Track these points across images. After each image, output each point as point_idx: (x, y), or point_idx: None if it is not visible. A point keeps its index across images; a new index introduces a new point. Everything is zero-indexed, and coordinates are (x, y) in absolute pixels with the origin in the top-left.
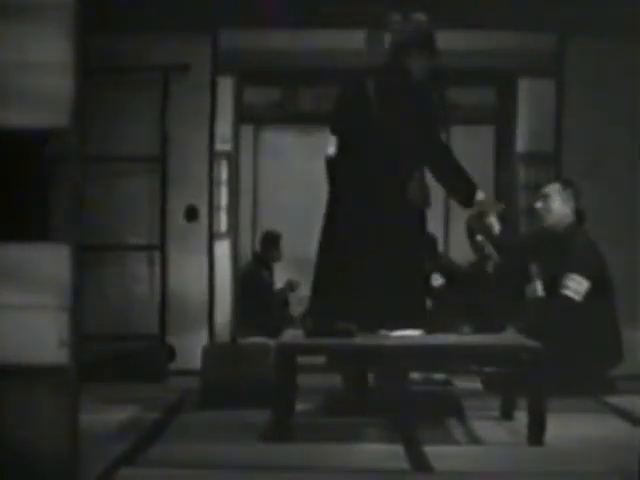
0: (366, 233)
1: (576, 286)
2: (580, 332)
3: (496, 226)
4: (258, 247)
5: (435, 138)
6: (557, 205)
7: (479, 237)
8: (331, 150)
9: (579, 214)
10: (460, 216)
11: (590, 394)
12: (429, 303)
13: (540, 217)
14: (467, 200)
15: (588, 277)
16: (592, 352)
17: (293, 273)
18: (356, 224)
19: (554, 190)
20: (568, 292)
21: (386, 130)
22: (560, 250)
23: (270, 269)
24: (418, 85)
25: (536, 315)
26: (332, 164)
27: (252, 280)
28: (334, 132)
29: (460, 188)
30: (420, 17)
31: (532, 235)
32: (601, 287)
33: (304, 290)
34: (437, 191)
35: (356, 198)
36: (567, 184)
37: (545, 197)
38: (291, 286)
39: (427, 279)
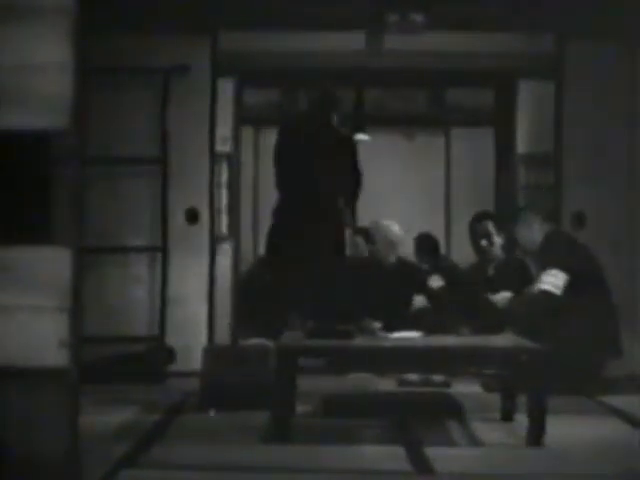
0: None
1: (554, 280)
2: (568, 325)
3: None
4: (262, 249)
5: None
6: (522, 234)
7: (483, 241)
8: None
9: (579, 216)
10: (462, 218)
11: (583, 391)
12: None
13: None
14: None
15: (567, 270)
16: (583, 345)
17: None
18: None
19: (515, 228)
20: (547, 287)
21: (322, 164)
22: (540, 258)
23: None
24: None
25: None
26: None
27: (253, 282)
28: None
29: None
30: (417, 18)
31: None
32: (587, 280)
33: None
34: (438, 193)
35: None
36: (520, 210)
37: (517, 242)
38: None
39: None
